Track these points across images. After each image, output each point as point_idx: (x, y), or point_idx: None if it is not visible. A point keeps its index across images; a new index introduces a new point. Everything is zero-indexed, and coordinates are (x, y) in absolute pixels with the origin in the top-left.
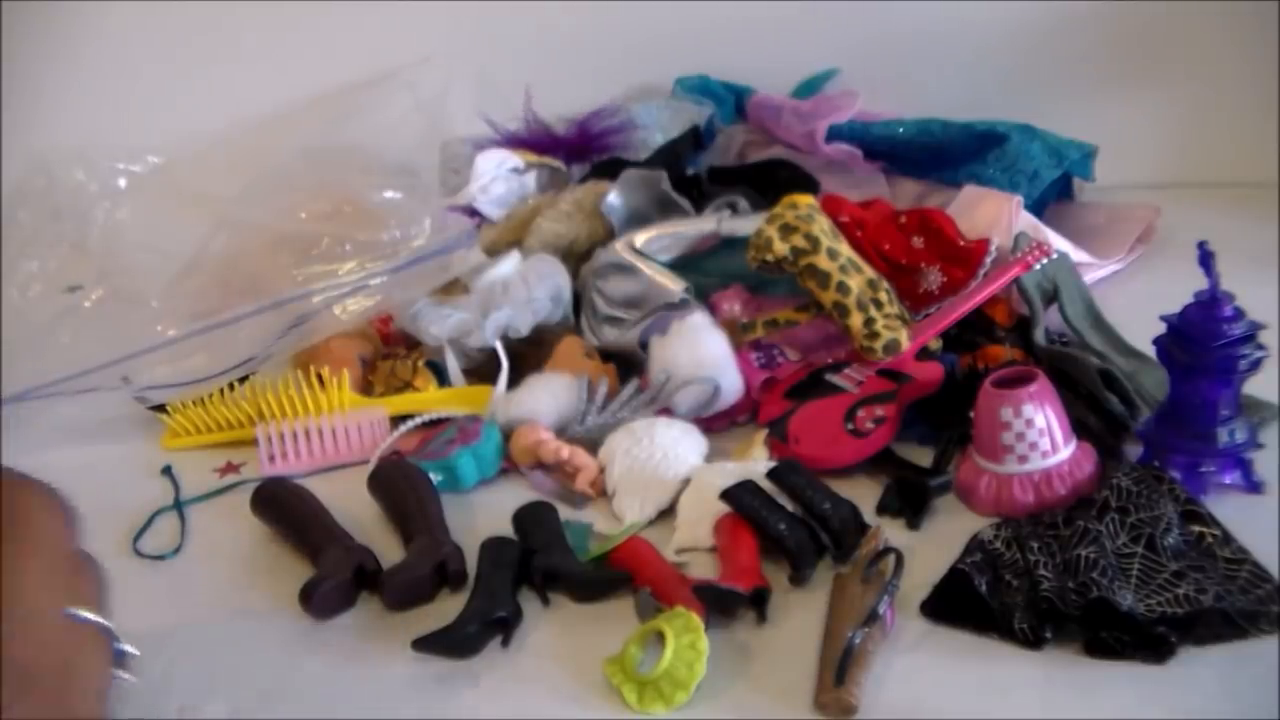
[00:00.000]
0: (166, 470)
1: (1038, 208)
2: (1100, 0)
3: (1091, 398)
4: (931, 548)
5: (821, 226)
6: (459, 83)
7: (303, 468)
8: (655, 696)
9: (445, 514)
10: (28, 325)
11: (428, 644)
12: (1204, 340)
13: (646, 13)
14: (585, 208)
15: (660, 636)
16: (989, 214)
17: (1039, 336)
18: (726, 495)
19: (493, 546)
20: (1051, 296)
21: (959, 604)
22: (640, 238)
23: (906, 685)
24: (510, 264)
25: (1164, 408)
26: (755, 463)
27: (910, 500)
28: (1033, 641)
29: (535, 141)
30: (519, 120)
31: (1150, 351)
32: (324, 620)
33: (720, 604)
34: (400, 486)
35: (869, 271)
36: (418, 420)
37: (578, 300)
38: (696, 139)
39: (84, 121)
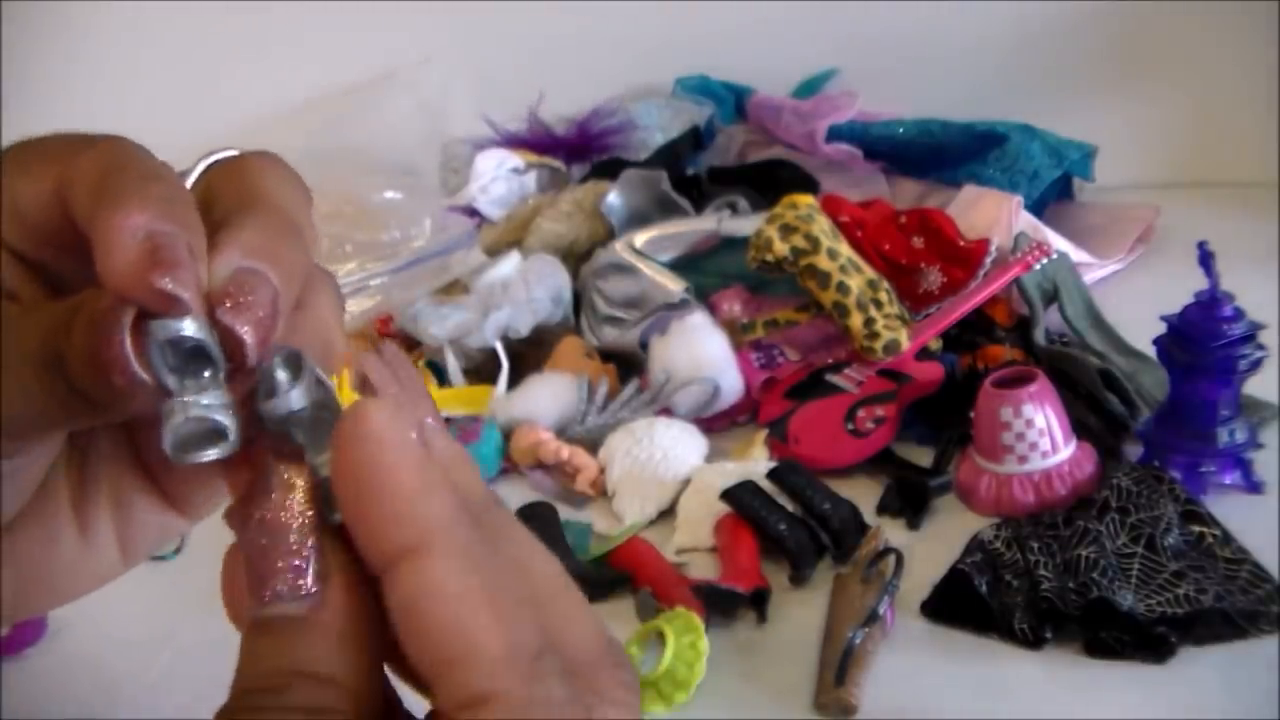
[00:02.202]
0: None
1: (1038, 208)
2: (1100, 0)
3: (1091, 398)
4: (931, 548)
5: (821, 226)
6: (459, 83)
7: None
8: (655, 696)
9: None
10: None
11: None
12: (1204, 340)
13: (646, 13)
14: (585, 208)
15: (660, 636)
16: (989, 214)
17: (1039, 336)
18: (726, 495)
19: None
20: (1051, 296)
21: (959, 604)
22: (640, 238)
23: (906, 685)
24: (510, 264)
25: (1164, 408)
26: (755, 463)
27: (910, 500)
28: (1033, 641)
29: (535, 141)
30: (519, 120)
31: (1150, 351)
32: None
33: (720, 604)
34: None
35: (869, 271)
36: None
37: (578, 300)
38: (696, 139)
39: (84, 122)
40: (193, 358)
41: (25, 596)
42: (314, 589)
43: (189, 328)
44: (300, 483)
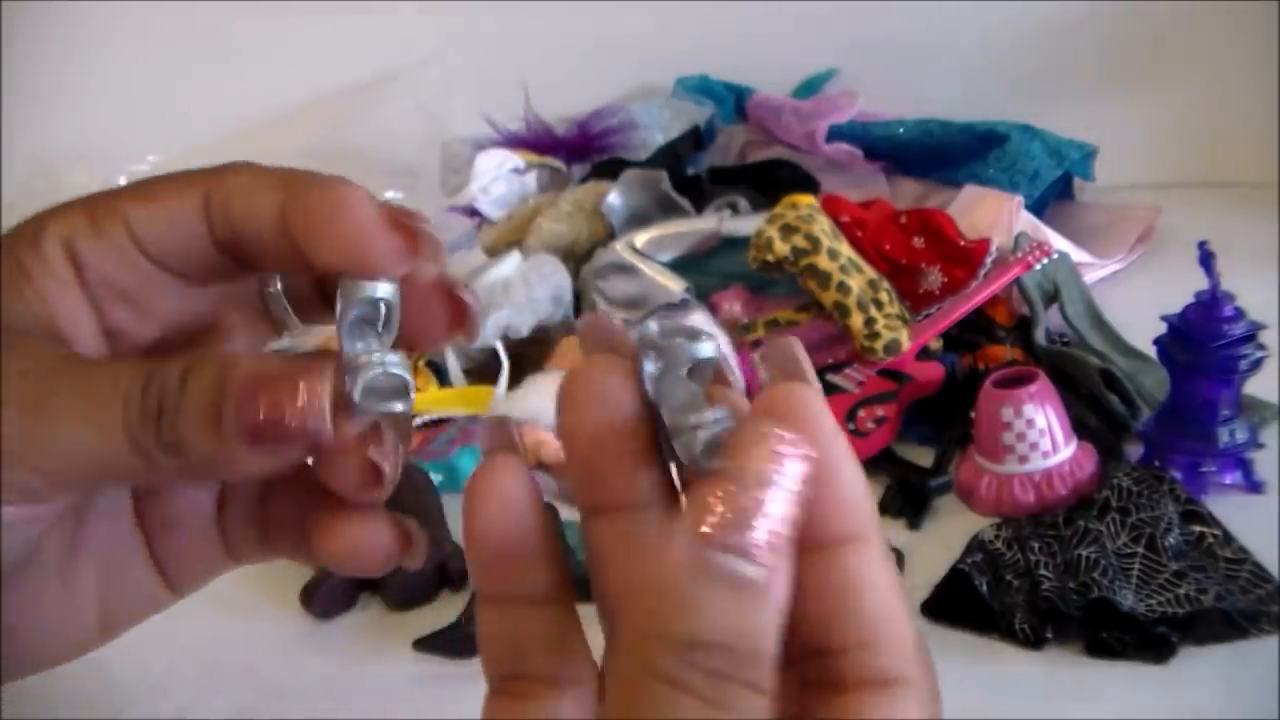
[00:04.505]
0: None
1: (1038, 208)
2: (1100, 0)
3: (1092, 398)
4: (932, 548)
5: (822, 227)
6: (459, 83)
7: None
8: None
9: (446, 514)
10: None
11: (428, 644)
12: (1204, 340)
13: (646, 13)
14: (586, 208)
15: None
16: (989, 214)
17: (1039, 336)
18: None
19: None
20: (1052, 296)
21: (960, 604)
22: (641, 238)
23: None
24: (511, 264)
25: (1164, 408)
26: None
27: (911, 500)
28: (1034, 641)
29: (536, 142)
30: (520, 120)
31: (1151, 351)
32: (325, 620)
33: None
34: (401, 486)
35: (870, 271)
36: (418, 420)
37: (578, 300)
38: (697, 139)
39: (85, 122)
40: (368, 321)
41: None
42: (778, 561)
43: (384, 290)
44: (799, 451)
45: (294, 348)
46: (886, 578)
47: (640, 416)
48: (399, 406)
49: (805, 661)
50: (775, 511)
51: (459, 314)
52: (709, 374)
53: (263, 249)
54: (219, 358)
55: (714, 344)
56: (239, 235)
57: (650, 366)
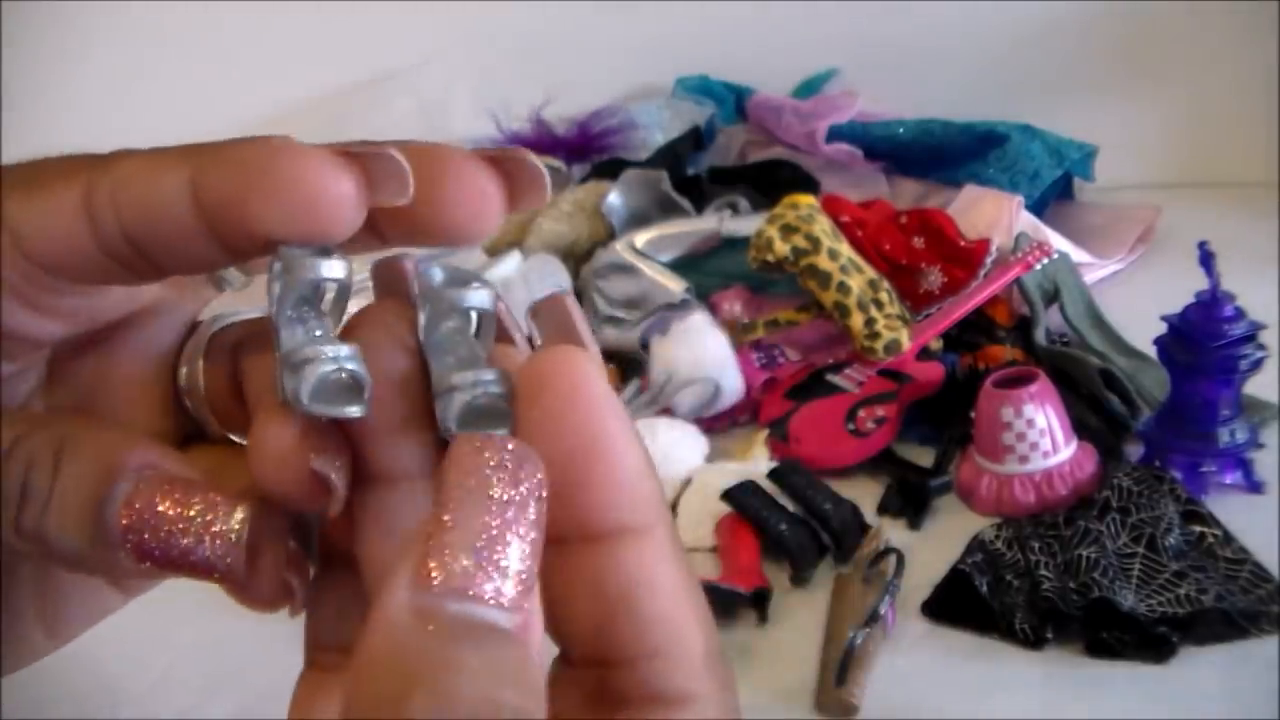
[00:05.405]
0: None
1: (1038, 208)
2: (1100, 0)
3: (1092, 398)
4: (932, 548)
5: (822, 227)
6: (459, 83)
7: None
8: None
9: None
10: None
11: None
12: (1204, 340)
13: (646, 13)
14: (586, 208)
15: None
16: (989, 214)
17: (1039, 336)
18: (727, 495)
19: None
20: (1052, 296)
21: (960, 604)
22: (641, 238)
23: (907, 685)
24: (511, 264)
25: (1164, 408)
26: (756, 463)
27: (911, 500)
28: (1034, 641)
29: (536, 141)
30: (520, 120)
31: (1151, 351)
32: None
33: (721, 604)
34: None
35: (870, 272)
36: None
37: (579, 301)
38: (697, 139)
39: (84, 122)
40: (307, 301)
41: None
42: (526, 603)
43: (338, 269)
44: (538, 470)
45: (238, 314)
46: (673, 577)
47: (412, 375)
48: (354, 410)
49: (585, 671)
50: (515, 539)
51: (529, 179)
52: (492, 330)
53: (174, 243)
54: (103, 440)
55: (486, 293)
56: (137, 235)
57: (422, 317)
